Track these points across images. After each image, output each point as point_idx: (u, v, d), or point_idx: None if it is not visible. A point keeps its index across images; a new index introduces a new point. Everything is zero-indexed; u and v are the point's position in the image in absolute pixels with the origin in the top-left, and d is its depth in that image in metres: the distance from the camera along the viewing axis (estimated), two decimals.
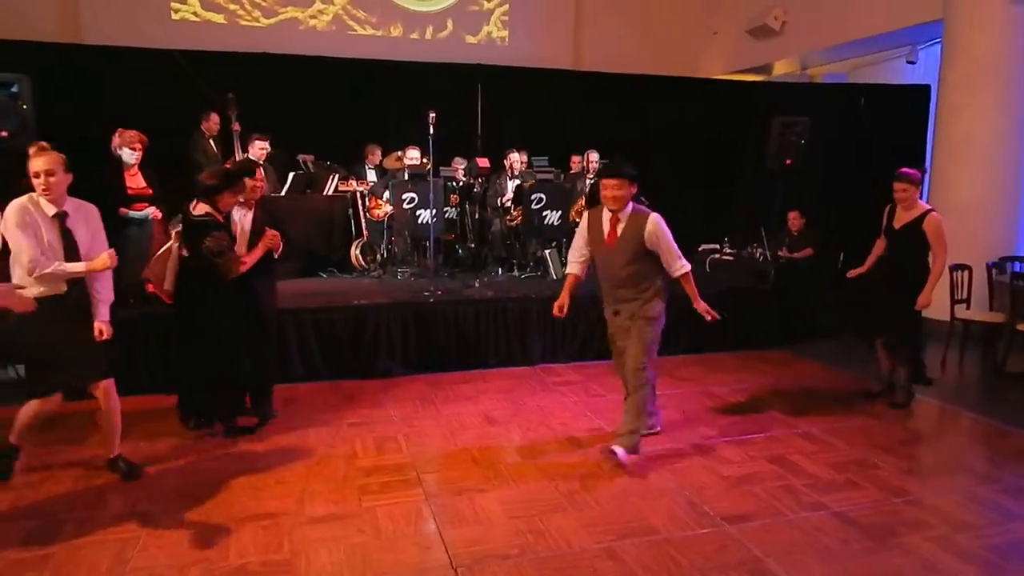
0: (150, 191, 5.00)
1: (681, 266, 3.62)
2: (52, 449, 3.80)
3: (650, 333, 3.65)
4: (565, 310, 3.77)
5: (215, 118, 6.81)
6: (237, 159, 6.70)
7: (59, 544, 2.85)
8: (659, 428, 4.12)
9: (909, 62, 8.70)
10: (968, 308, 5.94)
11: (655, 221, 3.56)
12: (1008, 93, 6.67)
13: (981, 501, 3.35)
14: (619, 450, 3.58)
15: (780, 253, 7.02)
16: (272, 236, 3.92)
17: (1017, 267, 6.20)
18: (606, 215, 3.64)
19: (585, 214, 3.79)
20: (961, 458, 3.98)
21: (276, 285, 4.29)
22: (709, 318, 3.66)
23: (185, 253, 3.77)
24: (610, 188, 3.55)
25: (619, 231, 3.60)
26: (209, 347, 3.82)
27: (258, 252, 3.87)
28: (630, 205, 3.61)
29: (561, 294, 3.77)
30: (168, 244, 3.93)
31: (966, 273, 5.89)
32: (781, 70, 10.62)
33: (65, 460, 3.68)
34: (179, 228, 3.86)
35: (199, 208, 3.75)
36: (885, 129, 8.44)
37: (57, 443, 3.89)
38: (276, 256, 4.04)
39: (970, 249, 6.03)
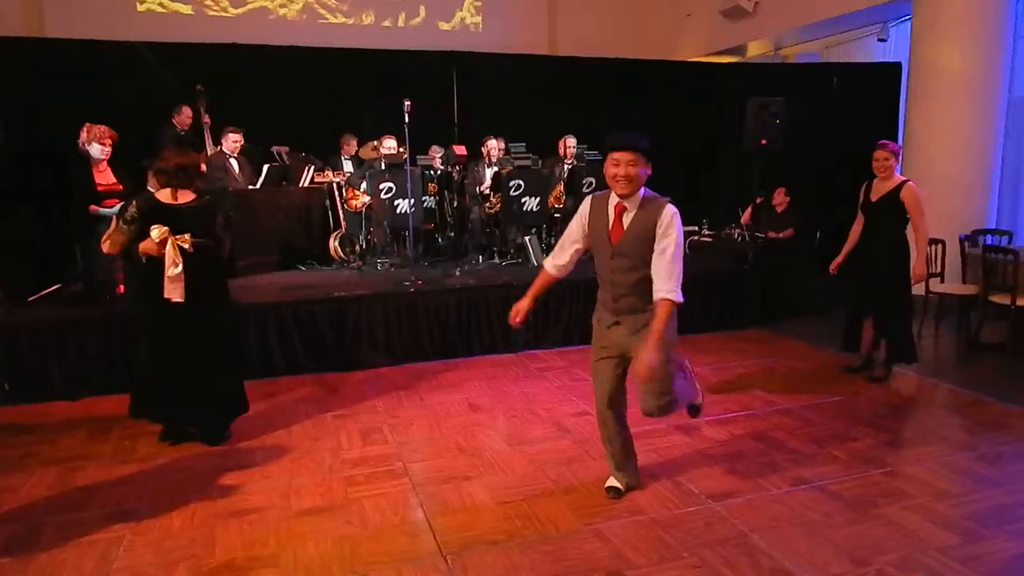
0: (120, 187, 4.92)
1: (674, 289, 2.73)
2: (30, 450, 3.74)
3: (668, 346, 2.82)
4: (521, 317, 3.01)
5: (187, 111, 6.70)
6: (209, 153, 6.61)
7: (41, 547, 2.81)
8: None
9: (880, 40, 8.78)
10: (942, 281, 6.04)
11: (673, 213, 2.77)
12: (979, 69, 6.75)
13: (959, 470, 3.42)
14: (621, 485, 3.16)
15: (766, 234, 7.05)
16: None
17: (989, 240, 6.31)
18: (612, 202, 2.85)
19: (588, 199, 2.97)
20: (939, 428, 4.05)
21: None
22: (643, 372, 2.69)
23: (189, 248, 3.46)
24: (622, 165, 2.73)
25: (626, 223, 2.82)
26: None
27: None
28: (643, 191, 2.83)
29: (524, 297, 3.02)
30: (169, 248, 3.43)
31: (940, 247, 5.98)
32: (755, 51, 10.66)
33: (43, 460, 3.63)
34: (162, 228, 3.43)
35: (183, 195, 3.53)
36: (859, 107, 8.52)
37: (34, 443, 3.83)
38: None
39: (943, 223, 6.12)
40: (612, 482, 3.20)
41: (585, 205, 2.96)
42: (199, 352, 3.64)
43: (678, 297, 2.75)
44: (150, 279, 3.49)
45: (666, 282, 2.74)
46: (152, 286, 3.48)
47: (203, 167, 6.13)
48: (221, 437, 3.82)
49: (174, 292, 3.46)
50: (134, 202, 3.50)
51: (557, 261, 3.02)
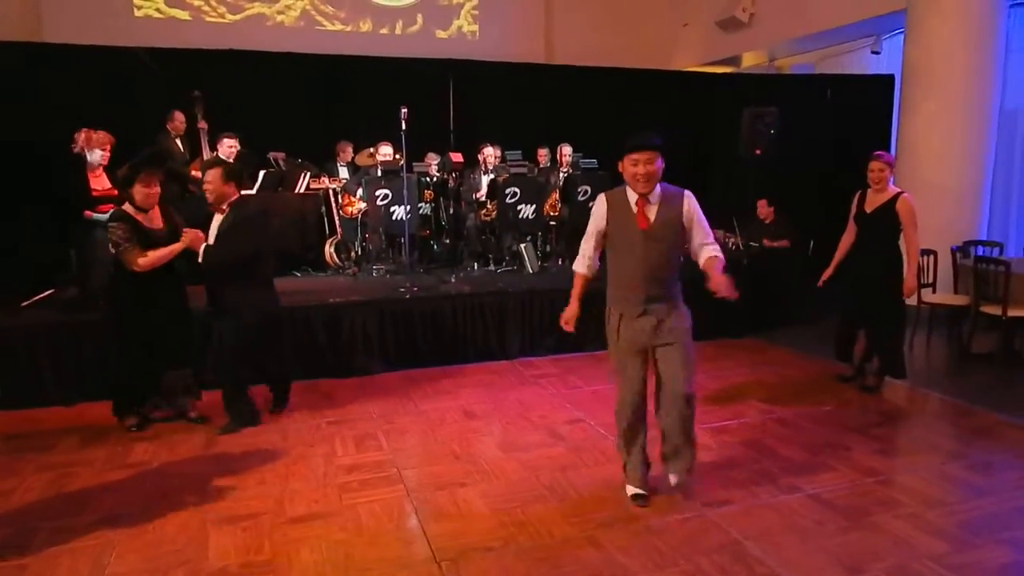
0: (115, 192, 4.91)
1: (715, 249, 3.07)
2: (22, 456, 3.72)
3: (692, 348, 3.09)
4: (573, 324, 3.20)
5: (180, 117, 6.69)
6: (205, 159, 6.61)
7: (33, 553, 2.79)
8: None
9: (874, 52, 8.87)
10: (934, 292, 6.08)
11: (691, 197, 3.06)
12: (971, 80, 6.83)
13: (950, 478, 3.45)
14: (681, 478, 3.24)
15: (761, 242, 7.04)
16: (189, 233, 3.88)
17: (980, 251, 6.36)
18: (631, 197, 3.02)
19: (601, 197, 3.13)
20: (930, 438, 4.08)
21: (248, 284, 4.03)
22: (727, 294, 2.89)
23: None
24: (641, 164, 2.93)
25: (653, 215, 3.00)
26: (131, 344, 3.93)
27: (170, 249, 3.84)
28: (658, 186, 3.03)
29: (571, 303, 3.19)
30: None
31: (932, 258, 6.03)
32: (750, 62, 10.75)
33: (36, 465, 3.61)
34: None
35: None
36: (852, 119, 8.60)
37: (27, 449, 3.82)
38: (200, 259, 3.87)
39: (935, 234, 6.17)
40: (634, 490, 3.22)
41: (601, 205, 3.09)
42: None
43: (720, 253, 3.07)
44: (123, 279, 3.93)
45: (709, 248, 3.06)
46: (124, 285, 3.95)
47: (197, 173, 6.16)
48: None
49: None
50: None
51: (588, 262, 3.17)
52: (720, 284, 2.92)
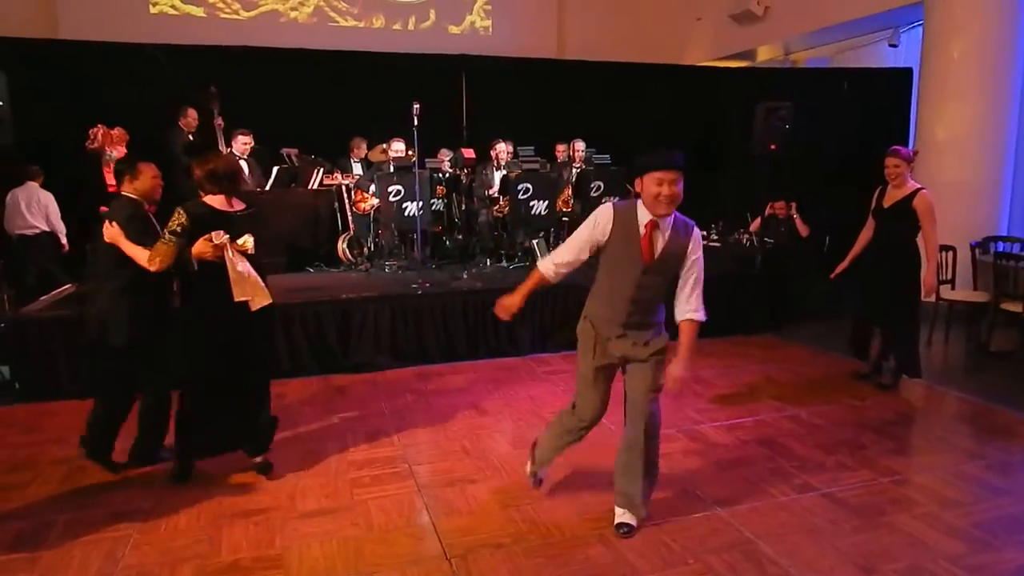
0: None
1: (699, 309, 2.80)
2: (38, 448, 3.77)
3: (662, 369, 2.85)
4: (510, 316, 2.98)
5: (193, 114, 6.74)
6: (223, 154, 6.65)
7: (48, 545, 2.83)
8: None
9: (891, 45, 8.75)
10: (953, 288, 5.99)
11: (699, 236, 2.81)
12: (990, 75, 6.71)
13: (967, 478, 3.39)
14: (633, 521, 2.92)
15: (775, 207, 6.85)
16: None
17: (1000, 247, 6.26)
18: (643, 218, 2.71)
19: (609, 210, 2.77)
20: (947, 436, 4.02)
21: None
22: (674, 386, 2.79)
23: (252, 250, 3.31)
24: (667, 184, 2.62)
25: (659, 244, 2.72)
26: None
27: None
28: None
29: (515, 294, 2.91)
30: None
31: (950, 254, 5.94)
32: (765, 56, 10.64)
33: (51, 458, 3.65)
34: (221, 233, 3.16)
35: (237, 203, 3.33)
36: (869, 113, 8.49)
37: (43, 442, 3.86)
38: None
39: (954, 230, 6.07)
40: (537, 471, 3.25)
41: (605, 217, 2.75)
42: (244, 360, 3.37)
43: (704, 316, 2.82)
44: (216, 281, 3.18)
45: (694, 303, 2.80)
46: (222, 287, 3.18)
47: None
48: (266, 445, 3.51)
49: (246, 291, 3.21)
50: (183, 211, 3.11)
51: (560, 269, 2.86)
52: (676, 371, 2.75)
